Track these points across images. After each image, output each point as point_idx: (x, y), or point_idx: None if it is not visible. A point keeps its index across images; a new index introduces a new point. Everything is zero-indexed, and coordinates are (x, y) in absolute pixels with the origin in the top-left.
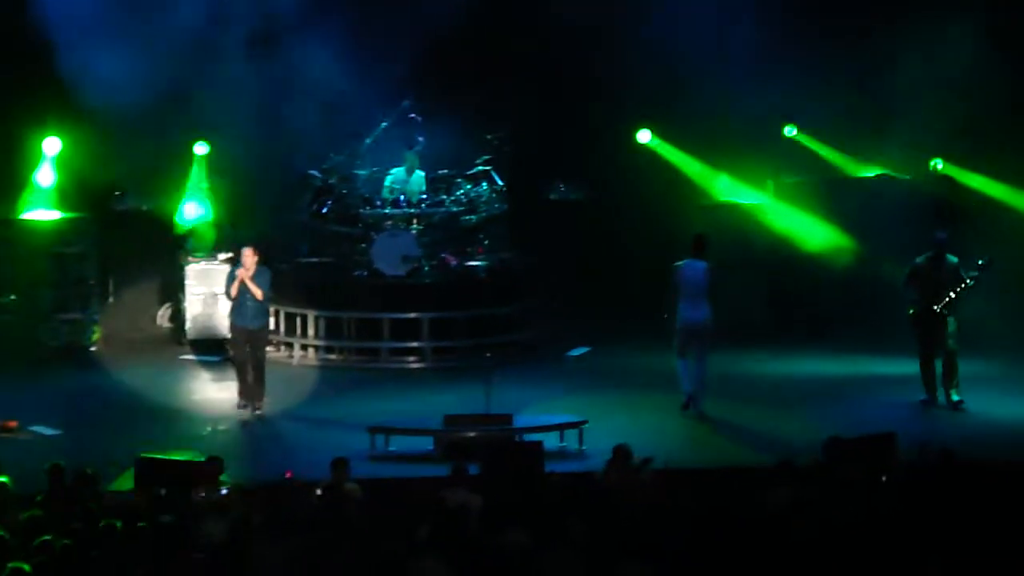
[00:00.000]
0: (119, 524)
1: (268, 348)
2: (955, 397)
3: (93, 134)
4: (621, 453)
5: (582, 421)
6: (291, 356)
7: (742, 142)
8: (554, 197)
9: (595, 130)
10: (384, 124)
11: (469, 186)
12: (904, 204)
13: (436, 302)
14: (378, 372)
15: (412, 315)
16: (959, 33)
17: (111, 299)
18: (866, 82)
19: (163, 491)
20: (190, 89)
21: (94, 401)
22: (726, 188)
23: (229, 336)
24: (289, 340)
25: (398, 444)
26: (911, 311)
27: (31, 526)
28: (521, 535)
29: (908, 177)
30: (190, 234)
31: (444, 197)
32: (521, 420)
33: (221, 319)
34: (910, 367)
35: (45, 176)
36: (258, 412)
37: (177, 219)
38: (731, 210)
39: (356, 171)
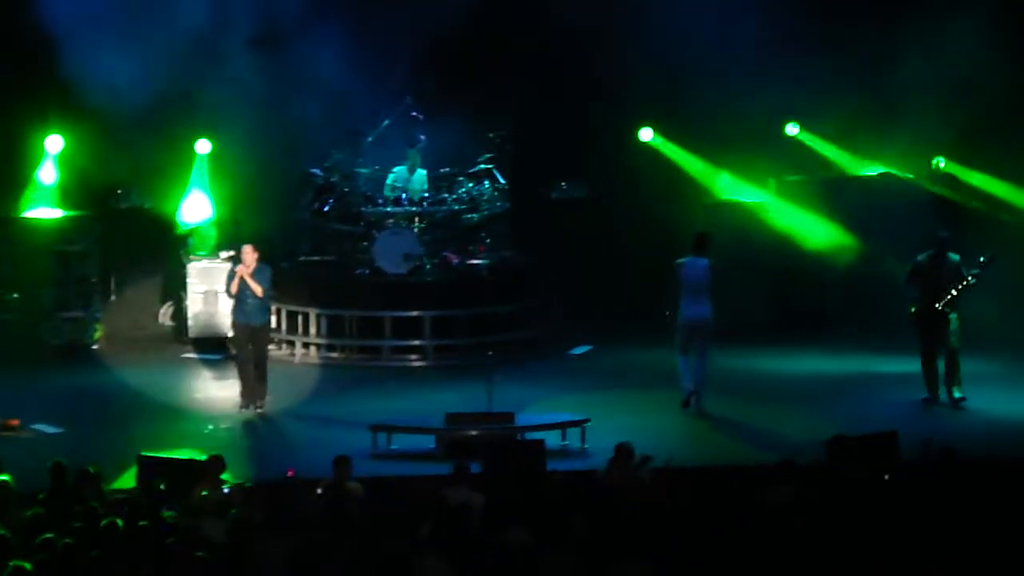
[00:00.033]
0: (120, 523)
1: (270, 346)
2: (957, 394)
3: (95, 132)
4: (623, 451)
5: (584, 419)
6: (293, 354)
7: (744, 140)
8: (556, 196)
9: (597, 129)
10: (386, 122)
11: (471, 184)
12: (906, 203)
13: (438, 300)
14: (380, 370)
15: (414, 313)
16: (961, 31)
17: (113, 297)
18: (868, 80)
19: (162, 485)
20: (192, 87)
21: (96, 399)
22: (728, 186)
23: (231, 335)
24: (291, 338)
25: (400, 442)
26: (912, 309)
27: (33, 524)
28: (523, 534)
29: (910, 176)
30: (192, 234)
31: (446, 195)
32: (523, 418)
33: (223, 317)
34: (912, 365)
35: (47, 174)
36: (260, 410)
37: (179, 218)
38: (733, 208)
39: (358, 169)
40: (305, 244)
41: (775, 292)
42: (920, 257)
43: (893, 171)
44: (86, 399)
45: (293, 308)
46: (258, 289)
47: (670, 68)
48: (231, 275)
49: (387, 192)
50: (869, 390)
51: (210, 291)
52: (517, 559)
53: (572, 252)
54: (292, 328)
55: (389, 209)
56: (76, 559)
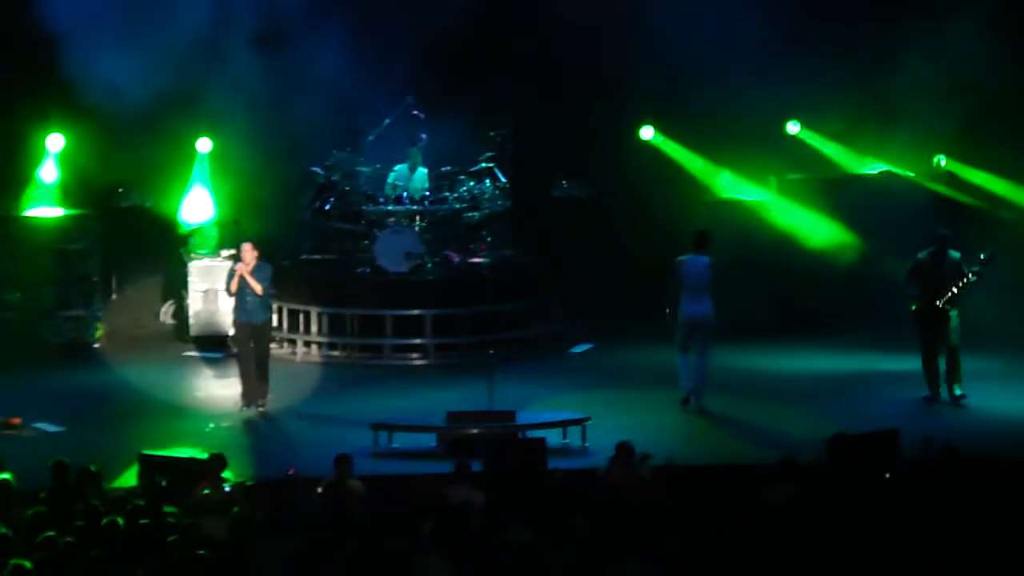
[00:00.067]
0: (121, 521)
1: (271, 345)
2: (957, 391)
3: (96, 131)
4: (624, 450)
5: (585, 418)
6: (294, 353)
7: (745, 139)
8: (557, 194)
9: (598, 127)
10: (387, 121)
11: (472, 183)
12: (907, 201)
13: (439, 299)
14: (381, 369)
15: (415, 312)
16: (963, 29)
17: (114, 296)
18: (869, 79)
19: (163, 482)
20: (193, 86)
21: (97, 398)
22: (729, 185)
23: (233, 333)
24: (292, 337)
25: (401, 441)
26: (913, 307)
27: (35, 523)
28: (524, 532)
29: (911, 174)
30: (194, 233)
31: (447, 194)
32: (524, 417)
33: (224, 316)
34: (913, 363)
35: (48, 173)
36: (261, 408)
37: (180, 216)
38: (734, 207)
39: (359, 168)
40: (306, 243)
41: (776, 291)
42: (921, 255)
43: (894, 169)
44: (87, 398)
45: (294, 307)
46: (258, 287)
47: (671, 67)
48: (231, 274)
49: (388, 191)
50: (870, 388)
51: (211, 290)
52: (518, 557)
53: (573, 251)
54: (293, 327)
55: (390, 208)
56: (77, 557)
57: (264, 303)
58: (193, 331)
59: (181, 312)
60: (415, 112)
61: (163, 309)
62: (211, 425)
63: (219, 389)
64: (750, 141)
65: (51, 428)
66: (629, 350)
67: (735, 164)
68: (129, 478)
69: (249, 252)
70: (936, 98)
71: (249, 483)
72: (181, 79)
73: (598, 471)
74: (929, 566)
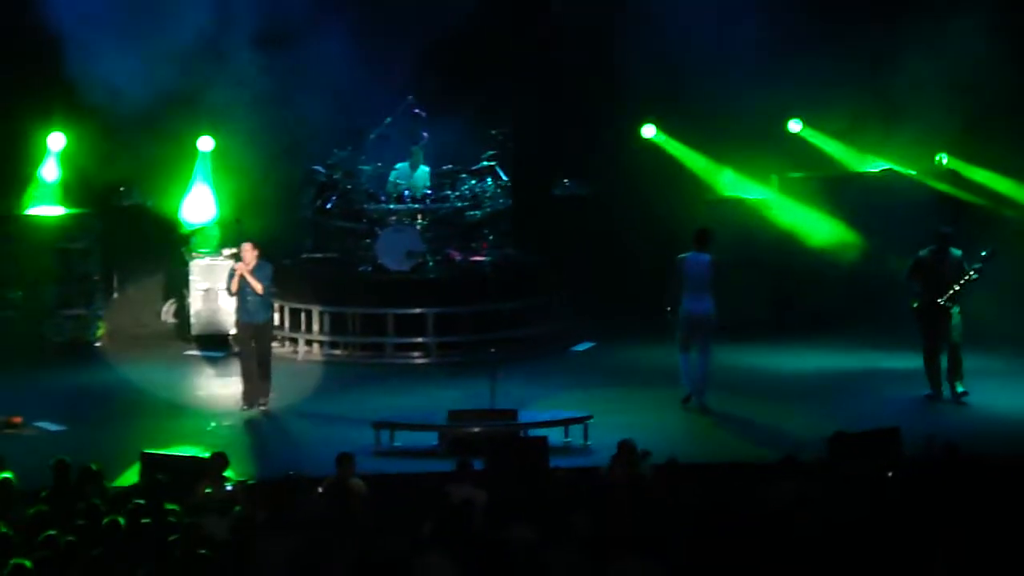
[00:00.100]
0: (123, 521)
1: (273, 343)
2: (959, 389)
3: (98, 130)
4: (626, 448)
5: (587, 416)
6: (296, 352)
7: (746, 137)
8: (559, 192)
9: (599, 126)
10: (388, 119)
11: (474, 181)
12: (909, 199)
13: (440, 298)
14: (383, 368)
15: (416, 311)
16: (965, 28)
17: (115, 295)
18: (871, 77)
19: (160, 476)
20: (194, 85)
21: (98, 397)
22: (730, 183)
23: (235, 333)
24: (294, 336)
25: (403, 439)
26: (915, 304)
27: (36, 522)
28: (526, 530)
29: (913, 172)
30: (196, 232)
31: (449, 192)
32: (526, 415)
33: (225, 315)
34: (914, 362)
35: (50, 172)
36: (263, 407)
37: (181, 215)
38: (735, 205)
39: (360, 166)
40: (308, 241)
41: (777, 289)
42: (922, 252)
43: (896, 167)
44: (89, 397)
45: (296, 305)
46: (258, 287)
47: (672, 65)
48: (231, 274)
49: (390, 189)
50: (871, 386)
51: (212, 288)
52: (520, 556)
53: (575, 249)
54: (295, 325)
55: (392, 206)
56: (79, 557)
57: (265, 303)
58: (194, 330)
59: (182, 311)
60: (416, 111)
61: (164, 308)
62: (212, 424)
63: (220, 388)
64: (752, 139)
65: (52, 427)
66: (631, 349)
67: (737, 162)
68: (130, 477)
69: (249, 252)
70: (938, 96)
71: (251, 482)
72: (182, 78)
73: (600, 470)
74: (931, 564)
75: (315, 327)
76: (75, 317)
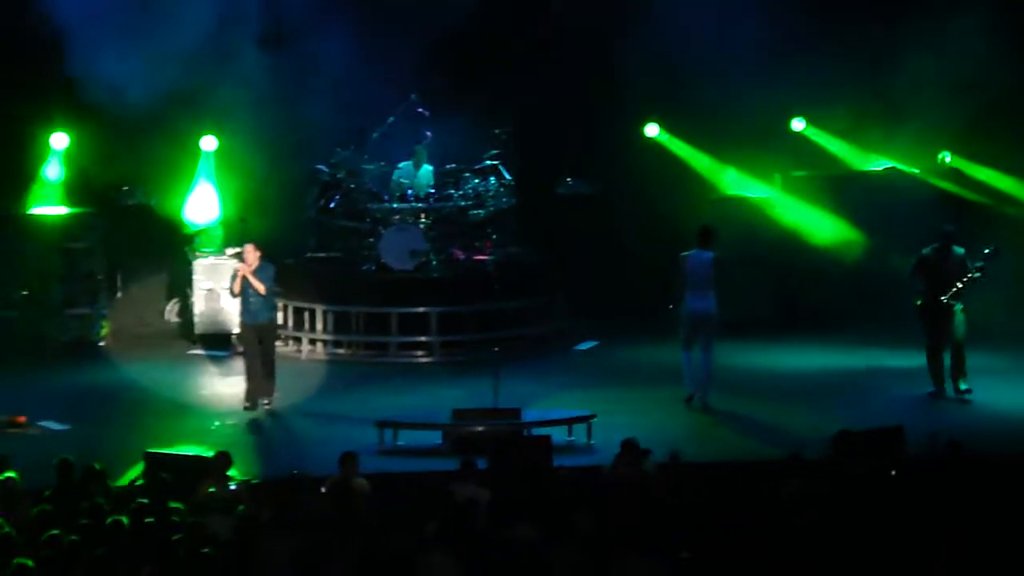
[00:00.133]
0: (126, 520)
1: (277, 343)
2: (963, 386)
3: (101, 129)
4: (629, 447)
5: (590, 415)
6: (299, 351)
7: (750, 136)
8: (562, 192)
9: (603, 125)
10: (392, 119)
11: (477, 180)
12: (912, 197)
13: (444, 296)
14: (386, 366)
15: (420, 310)
16: (967, 26)
17: (119, 294)
18: (874, 76)
19: (166, 476)
20: (198, 85)
21: (102, 396)
22: (734, 182)
23: (239, 333)
24: (297, 335)
25: (406, 438)
26: (918, 302)
27: (40, 521)
28: (529, 529)
29: (916, 170)
30: (200, 232)
31: (452, 191)
32: (529, 414)
33: (229, 314)
34: (918, 360)
35: (53, 171)
36: (267, 406)
37: (184, 215)
38: (739, 204)
39: (364, 166)
40: (311, 241)
41: (781, 287)
42: (925, 250)
43: (899, 166)
44: (92, 396)
45: (300, 304)
46: (260, 287)
47: (675, 64)
48: (234, 275)
49: (393, 188)
50: (875, 385)
51: (216, 288)
52: (523, 555)
53: (578, 248)
54: (299, 324)
55: (395, 205)
56: (82, 556)
57: (268, 303)
58: (198, 329)
59: (186, 310)
60: (420, 110)
61: (168, 307)
62: (216, 423)
63: (224, 387)
64: (755, 138)
65: (56, 426)
66: (634, 347)
67: (740, 161)
68: (134, 476)
69: (251, 253)
70: (940, 95)
71: (254, 481)
72: (186, 77)
73: (603, 468)
74: (935, 562)
75: (319, 326)
76: (79, 316)
